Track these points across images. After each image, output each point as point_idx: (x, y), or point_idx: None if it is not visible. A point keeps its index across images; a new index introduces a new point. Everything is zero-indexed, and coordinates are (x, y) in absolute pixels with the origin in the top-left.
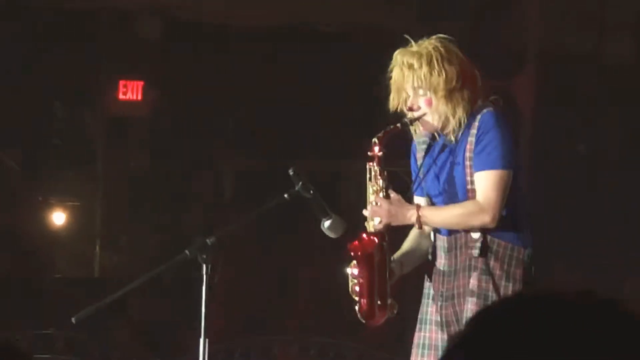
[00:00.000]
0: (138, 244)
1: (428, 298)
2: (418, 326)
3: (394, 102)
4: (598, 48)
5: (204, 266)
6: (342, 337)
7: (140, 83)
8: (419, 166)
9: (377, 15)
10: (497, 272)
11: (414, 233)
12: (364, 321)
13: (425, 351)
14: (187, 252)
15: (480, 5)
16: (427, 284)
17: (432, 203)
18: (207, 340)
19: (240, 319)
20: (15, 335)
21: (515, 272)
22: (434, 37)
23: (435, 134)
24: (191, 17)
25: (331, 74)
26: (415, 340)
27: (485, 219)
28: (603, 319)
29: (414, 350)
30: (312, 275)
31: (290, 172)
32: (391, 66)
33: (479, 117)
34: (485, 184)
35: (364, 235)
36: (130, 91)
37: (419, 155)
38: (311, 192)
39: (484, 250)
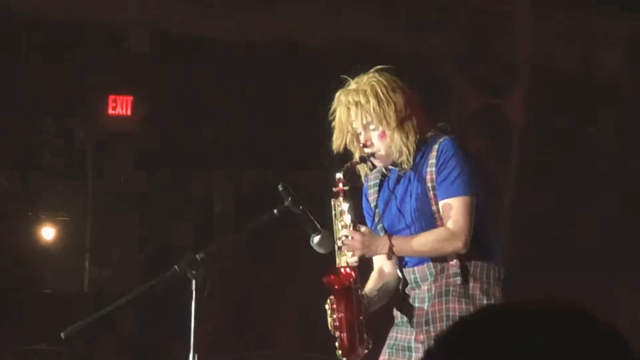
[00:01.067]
0: (127, 259)
1: (400, 325)
2: (385, 350)
3: (337, 143)
4: (588, 64)
5: (193, 281)
6: (332, 353)
7: (130, 98)
8: (373, 206)
9: (369, 30)
10: (478, 292)
11: (374, 275)
12: (344, 358)
13: None
14: (176, 267)
15: (472, 22)
16: (397, 313)
17: None
18: (196, 355)
19: (230, 334)
20: (5, 350)
21: (495, 290)
22: (371, 70)
23: (384, 170)
24: (181, 32)
25: (320, 88)
26: None
27: (458, 244)
28: (570, 326)
29: None
30: (302, 290)
31: (280, 188)
32: (333, 107)
33: (435, 146)
34: (453, 211)
35: (342, 269)
36: (120, 106)
37: (372, 197)
38: (300, 207)
39: (464, 274)
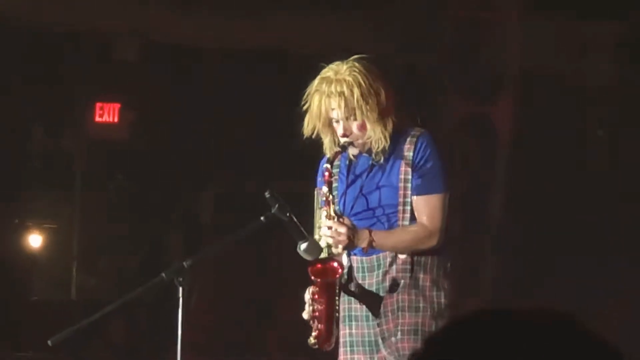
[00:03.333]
0: (115, 267)
1: (351, 320)
2: (343, 349)
3: (309, 128)
4: (578, 71)
5: (180, 289)
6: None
7: (117, 105)
8: (332, 185)
9: (355, 38)
10: (428, 284)
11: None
12: (317, 346)
13: (355, 348)
14: (163, 275)
15: (460, 29)
16: (346, 306)
17: None
18: None
19: (219, 341)
20: None
21: (443, 282)
22: (351, 58)
23: (351, 156)
24: (168, 39)
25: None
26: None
27: (433, 242)
28: (560, 338)
29: (343, 348)
30: (292, 297)
31: (267, 195)
32: (309, 92)
33: (412, 139)
34: (430, 208)
35: (329, 262)
36: (107, 113)
37: (335, 175)
38: (287, 214)
39: (414, 266)
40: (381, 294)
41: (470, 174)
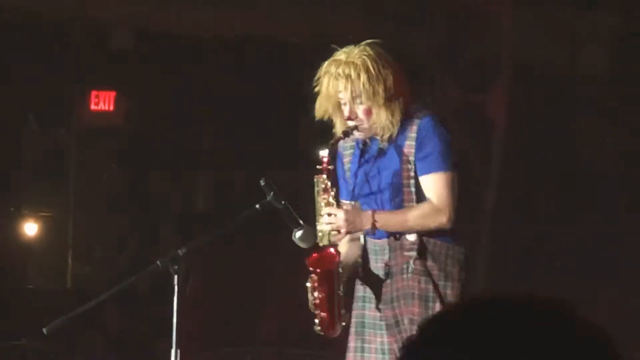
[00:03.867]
0: (110, 255)
1: (363, 302)
2: (354, 329)
3: (320, 110)
4: (571, 61)
5: (175, 277)
6: (316, 348)
7: (113, 93)
8: (347, 169)
9: (350, 26)
10: (435, 272)
11: (344, 240)
12: (322, 334)
13: (365, 354)
14: (158, 263)
15: (453, 18)
16: (359, 287)
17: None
18: (178, 351)
19: (213, 329)
20: None
21: (452, 271)
22: (363, 43)
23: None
24: (163, 27)
25: (303, 84)
26: (352, 344)
27: (442, 219)
28: (551, 322)
29: (350, 355)
30: (286, 285)
31: (262, 183)
32: (320, 75)
33: (417, 121)
34: (437, 186)
35: (324, 250)
36: (102, 101)
37: (346, 160)
38: (282, 202)
39: (422, 251)
40: (388, 278)
41: (464, 164)
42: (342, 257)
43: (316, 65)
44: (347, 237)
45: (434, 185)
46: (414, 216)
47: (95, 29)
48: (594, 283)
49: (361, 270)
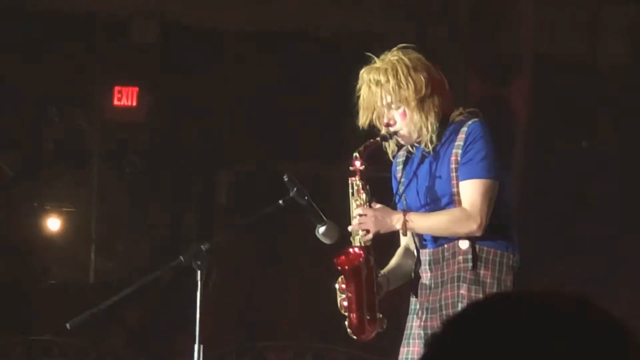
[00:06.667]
0: (133, 250)
1: (413, 313)
2: (403, 341)
3: (363, 119)
4: (592, 53)
5: (199, 272)
6: (336, 342)
7: (135, 89)
8: (398, 181)
9: (372, 21)
10: (488, 280)
11: (399, 252)
12: (354, 336)
13: None
14: (181, 258)
15: (475, 12)
16: (412, 299)
17: None
18: (201, 346)
19: (234, 324)
20: (10, 341)
21: (506, 279)
22: (395, 48)
23: (410, 147)
24: (186, 22)
25: (326, 78)
26: (400, 356)
27: (472, 226)
28: (575, 319)
29: None
30: (306, 280)
31: (285, 178)
32: (359, 85)
33: (464, 128)
34: (472, 192)
35: (350, 249)
36: (125, 97)
37: (399, 175)
38: (305, 198)
39: (475, 260)
40: (438, 287)
41: None
42: (390, 267)
43: (336, 59)
44: (401, 248)
45: (470, 191)
46: (445, 220)
47: (119, 24)
48: (614, 281)
49: (413, 281)
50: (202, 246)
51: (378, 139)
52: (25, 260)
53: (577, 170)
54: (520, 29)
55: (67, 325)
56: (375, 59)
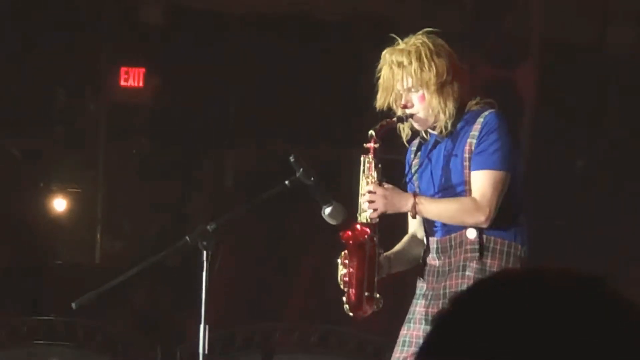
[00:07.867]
0: (139, 231)
1: (418, 298)
2: (404, 324)
3: (381, 101)
4: (601, 37)
5: (205, 253)
6: (343, 324)
7: (142, 70)
8: (414, 170)
9: (379, 4)
10: (495, 269)
11: (406, 237)
12: (350, 313)
13: (406, 348)
14: (187, 238)
15: None
16: (419, 284)
17: None
18: (207, 326)
19: (241, 305)
20: (15, 321)
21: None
22: (420, 32)
23: (424, 133)
24: (193, 3)
25: (333, 61)
26: (399, 338)
27: (480, 217)
28: (588, 299)
29: (396, 347)
30: (313, 261)
31: (291, 159)
32: (380, 65)
33: (480, 119)
34: (483, 183)
35: (357, 225)
36: (132, 78)
37: (414, 162)
38: (312, 179)
39: (483, 249)
40: (443, 275)
41: None
42: (394, 250)
43: (344, 43)
44: (408, 235)
45: (480, 182)
46: (454, 208)
47: (126, 5)
48: (626, 260)
49: (421, 267)
50: (208, 226)
51: (394, 119)
52: (31, 241)
53: (585, 154)
54: (528, 12)
55: (73, 305)
56: (399, 40)
